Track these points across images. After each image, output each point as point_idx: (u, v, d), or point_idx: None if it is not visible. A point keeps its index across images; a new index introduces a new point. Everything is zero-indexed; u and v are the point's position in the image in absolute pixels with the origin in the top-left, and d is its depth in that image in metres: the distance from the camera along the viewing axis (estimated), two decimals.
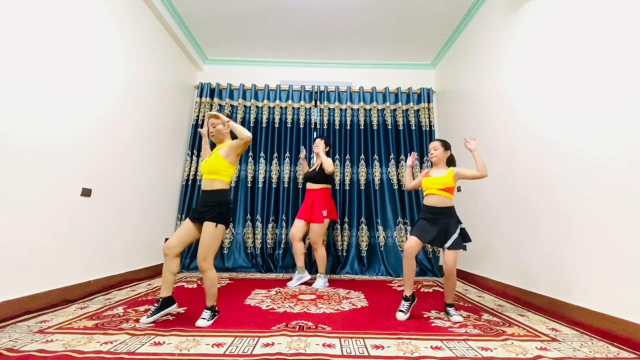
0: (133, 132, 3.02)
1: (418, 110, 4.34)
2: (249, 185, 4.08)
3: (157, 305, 1.88)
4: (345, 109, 4.30)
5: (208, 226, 1.88)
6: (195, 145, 4.11)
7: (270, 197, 4.04)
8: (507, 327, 1.86)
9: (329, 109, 4.31)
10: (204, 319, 1.82)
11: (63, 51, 2.22)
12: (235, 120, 2.14)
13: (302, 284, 3.05)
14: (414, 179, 2.46)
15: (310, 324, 1.87)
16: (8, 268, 1.88)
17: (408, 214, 3.98)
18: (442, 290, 2.86)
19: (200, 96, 4.24)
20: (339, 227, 3.93)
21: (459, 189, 3.59)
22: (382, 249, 3.88)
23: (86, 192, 2.44)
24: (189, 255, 3.78)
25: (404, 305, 2.05)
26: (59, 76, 2.19)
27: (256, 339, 1.61)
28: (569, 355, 1.47)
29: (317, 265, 3.10)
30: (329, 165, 3.10)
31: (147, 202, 3.29)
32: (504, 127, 2.85)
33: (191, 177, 4.00)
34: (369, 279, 3.49)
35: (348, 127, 4.24)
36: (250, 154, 4.14)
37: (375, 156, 4.17)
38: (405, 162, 4.08)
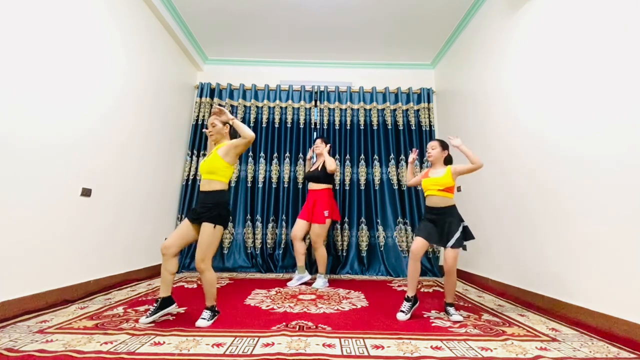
0: (133, 132, 3.02)
1: (418, 110, 4.34)
2: (249, 185, 4.08)
3: (156, 305, 1.88)
4: (345, 109, 4.30)
5: (206, 227, 1.88)
6: (195, 145, 4.11)
7: (270, 197, 4.04)
8: (507, 327, 1.86)
9: (329, 109, 4.31)
10: (204, 319, 1.82)
11: (63, 51, 2.22)
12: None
13: (302, 284, 3.05)
14: (414, 175, 2.46)
15: (310, 324, 1.87)
16: (8, 268, 1.87)
17: (408, 214, 3.98)
18: (442, 290, 2.86)
19: (200, 96, 4.25)
20: (339, 227, 3.93)
21: (459, 189, 3.59)
22: (382, 249, 3.88)
23: (86, 192, 2.44)
24: (188, 256, 3.78)
25: (405, 305, 2.05)
26: (59, 76, 2.19)
27: (256, 339, 1.61)
28: (569, 355, 1.47)
29: (317, 265, 3.10)
30: (331, 163, 3.10)
31: (147, 202, 3.29)
32: (503, 126, 2.85)
33: (191, 177, 4.00)
34: (369, 279, 3.48)
35: (348, 127, 4.24)
36: (250, 154, 4.15)
37: (375, 156, 4.17)
38: (405, 161, 4.10)
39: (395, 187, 4.04)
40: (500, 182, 2.86)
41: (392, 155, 4.14)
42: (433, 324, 1.92)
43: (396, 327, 1.83)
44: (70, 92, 2.29)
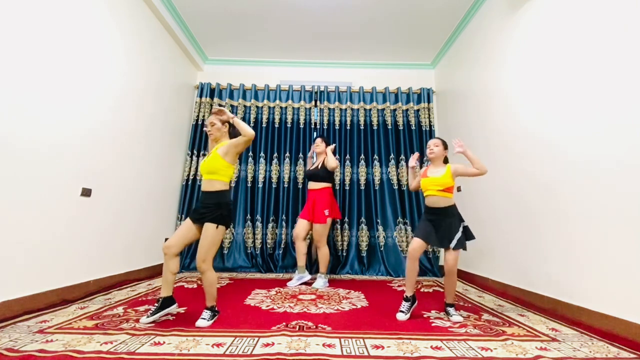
0: (133, 132, 3.03)
1: (418, 110, 4.34)
2: (249, 185, 4.08)
3: (157, 305, 1.88)
4: (345, 109, 4.30)
5: (208, 227, 1.88)
6: (195, 145, 4.11)
7: (270, 197, 4.04)
8: (507, 327, 1.86)
9: (329, 109, 4.31)
10: (204, 319, 1.82)
11: (63, 51, 2.22)
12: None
13: (302, 284, 3.05)
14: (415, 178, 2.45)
15: (310, 324, 1.87)
16: (8, 268, 1.88)
17: (408, 214, 3.98)
18: (442, 290, 2.86)
19: (200, 96, 4.25)
20: (339, 227, 3.93)
21: (458, 189, 3.59)
22: (382, 249, 3.88)
23: (86, 192, 2.44)
24: (189, 256, 3.78)
25: (404, 305, 2.05)
26: (59, 76, 2.19)
27: (256, 339, 1.61)
28: (569, 355, 1.47)
29: (319, 264, 3.10)
30: (332, 160, 3.10)
31: (147, 202, 3.29)
32: (503, 126, 2.85)
33: (191, 177, 4.00)
34: (369, 279, 3.48)
35: (348, 127, 4.24)
36: (250, 154, 4.15)
37: (375, 156, 4.17)
38: (406, 162, 4.10)
39: (395, 187, 4.05)
40: (500, 182, 2.86)
41: (392, 155, 4.14)
42: (433, 324, 1.92)
43: (396, 327, 1.83)
44: (70, 92, 2.29)
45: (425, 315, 2.10)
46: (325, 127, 4.23)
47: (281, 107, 4.32)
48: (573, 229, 2.06)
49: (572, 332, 1.79)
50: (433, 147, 2.23)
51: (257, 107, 4.34)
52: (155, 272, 3.34)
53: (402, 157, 4.14)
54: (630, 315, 1.68)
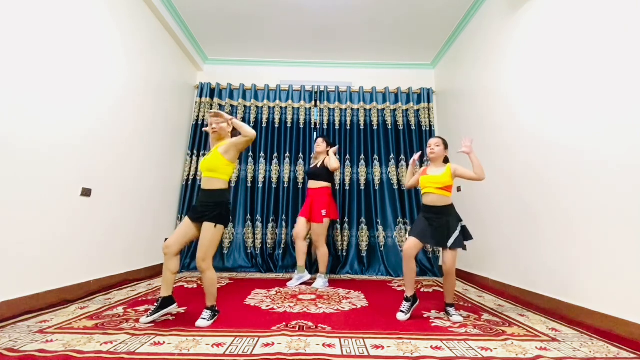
0: (133, 132, 3.03)
1: (418, 110, 4.35)
2: (249, 185, 4.08)
3: (156, 304, 1.88)
4: (345, 109, 4.30)
5: (207, 227, 1.88)
6: (195, 145, 4.11)
7: (270, 197, 4.04)
8: (507, 327, 1.86)
9: (329, 109, 4.31)
10: (204, 319, 1.82)
11: (63, 51, 2.22)
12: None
13: (302, 284, 3.05)
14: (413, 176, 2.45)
15: (310, 324, 1.87)
16: (8, 268, 1.88)
17: (408, 214, 3.98)
18: (442, 290, 2.85)
19: (200, 96, 4.25)
20: (339, 227, 3.93)
21: (458, 189, 3.60)
22: (382, 249, 3.88)
23: (86, 192, 2.44)
24: (189, 256, 3.78)
25: (404, 305, 2.05)
26: (59, 76, 2.19)
27: (256, 339, 1.61)
28: (569, 355, 1.47)
29: (318, 264, 3.10)
30: (334, 161, 3.10)
31: (147, 202, 3.29)
32: (503, 126, 2.85)
33: (191, 177, 4.00)
34: (369, 279, 3.48)
35: (348, 127, 4.24)
36: (250, 154, 4.15)
37: (375, 156, 4.17)
38: (406, 162, 4.09)
39: (395, 187, 4.05)
40: (500, 182, 2.86)
41: (392, 155, 4.14)
42: (433, 324, 1.92)
43: (396, 327, 1.83)
44: (70, 92, 2.29)
45: (425, 315, 2.10)
46: (325, 127, 4.23)
47: (281, 107, 4.32)
48: (573, 229, 2.06)
49: (572, 332, 1.79)
50: (434, 146, 2.23)
51: (257, 107, 4.34)
52: (155, 272, 3.34)
53: (402, 157, 4.15)
54: (630, 315, 1.68)
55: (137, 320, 1.85)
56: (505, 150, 2.81)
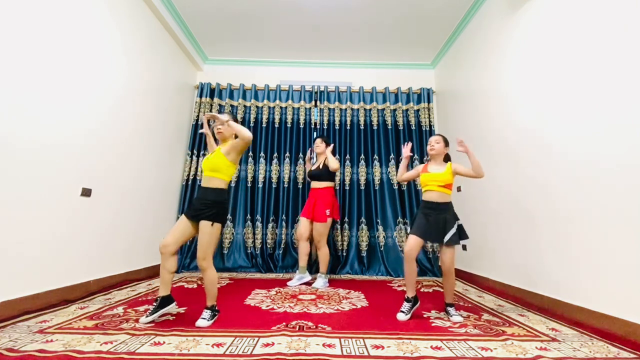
0: (133, 132, 3.02)
1: (418, 110, 4.35)
2: (249, 185, 4.08)
3: (155, 304, 1.88)
4: (345, 109, 4.30)
5: (204, 225, 1.88)
6: (195, 145, 4.11)
7: (270, 197, 4.04)
8: (507, 327, 1.86)
9: (329, 109, 4.31)
10: (204, 318, 1.82)
11: (63, 51, 2.22)
12: (236, 119, 2.14)
13: (302, 284, 3.05)
14: (407, 170, 2.42)
15: (310, 324, 1.87)
16: (8, 268, 1.87)
17: (408, 214, 3.98)
18: (442, 290, 2.85)
19: (200, 96, 4.24)
20: (339, 227, 3.93)
21: (458, 189, 3.60)
22: (382, 249, 3.88)
23: (86, 192, 2.44)
24: (188, 256, 3.78)
25: (405, 306, 2.05)
26: (59, 76, 2.19)
27: (256, 339, 1.61)
28: (569, 355, 1.47)
29: (319, 264, 3.10)
30: (333, 162, 3.10)
31: (147, 202, 3.29)
32: (503, 126, 2.85)
33: (191, 177, 4.00)
34: (369, 279, 3.48)
35: (348, 127, 4.24)
36: (250, 154, 4.15)
37: (375, 156, 4.17)
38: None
39: (395, 187, 4.05)
40: (500, 182, 2.86)
41: (392, 155, 4.14)
42: (433, 324, 1.92)
43: (396, 327, 1.83)
44: (70, 92, 2.29)
45: (425, 315, 2.10)
46: (325, 127, 4.23)
47: (281, 107, 4.32)
48: (573, 229, 2.06)
49: (572, 332, 1.79)
50: (434, 143, 2.25)
51: (257, 107, 4.34)
52: (155, 272, 3.34)
53: (402, 157, 4.13)
54: (630, 315, 1.68)
55: (137, 320, 1.85)
56: (505, 150, 2.81)
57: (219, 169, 1.96)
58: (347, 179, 4.08)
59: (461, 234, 2.10)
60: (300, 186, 4.07)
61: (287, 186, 4.06)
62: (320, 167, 3.21)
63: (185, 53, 4.03)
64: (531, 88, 2.50)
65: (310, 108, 4.34)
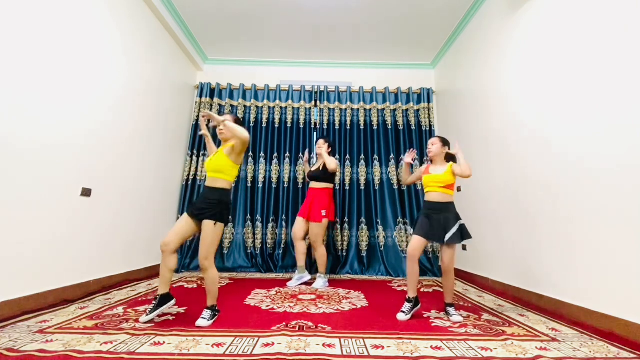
0: (133, 132, 3.02)
1: (418, 110, 4.35)
2: (249, 185, 4.08)
3: (155, 302, 1.88)
4: (345, 109, 4.30)
5: (207, 225, 1.88)
6: (195, 145, 4.11)
7: (270, 197, 4.04)
8: (507, 327, 1.86)
9: (329, 109, 4.31)
10: (204, 318, 1.82)
11: (63, 51, 2.22)
12: (238, 119, 2.13)
13: (302, 284, 3.05)
14: (409, 174, 2.48)
15: (310, 324, 1.87)
16: (8, 268, 1.87)
17: (408, 214, 3.98)
18: (442, 290, 2.85)
19: (200, 96, 4.24)
20: (339, 227, 3.93)
21: (459, 189, 3.60)
22: (382, 249, 3.88)
23: (86, 192, 2.44)
24: (188, 256, 3.78)
25: (406, 306, 2.05)
26: (59, 76, 2.19)
27: (256, 339, 1.61)
28: (569, 355, 1.47)
29: (317, 264, 3.10)
30: (331, 162, 3.10)
31: (147, 202, 3.29)
32: (503, 126, 2.85)
33: (191, 177, 4.00)
34: (369, 279, 3.48)
35: (348, 127, 4.24)
36: (250, 154, 4.14)
37: (375, 156, 4.17)
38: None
39: (395, 187, 4.05)
40: (500, 182, 2.86)
41: (392, 155, 4.14)
42: (433, 324, 1.92)
43: (396, 327, 1.83)
44: (70, 92, 2.29)
45: (425, 315, 2.10)
46: (325, 127, 4.23)
47: (281, 107, 4.32)
48: (573, 229, 2.06)
49: (572, 332, 1.79)
50: (430, 145, 2.28)
51: (257, 107, 4.34)
52: (155, 272, 3.34)
53: (402, 157, 4.14)
54: (630, 315, 1.68)
55: (137, 320, 1.85)
56: (505, 150, 2.81)
57: (221, 170, 1.96)
58: (347, 179, 4.08)
59: (463, 234, 2.10)
60: (300, 186, 4.07)
61: (287, 186, 4.06)
62: (320, 168, 3.20)
63: (185, 53, 4.03)
64: (531, 88, 2.50)
65: (310, 108, 4.34)
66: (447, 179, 2.14)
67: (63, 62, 2.23)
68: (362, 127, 4.26)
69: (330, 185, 3.22)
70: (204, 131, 2.26)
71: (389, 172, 4.10)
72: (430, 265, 3.79)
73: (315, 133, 4.30)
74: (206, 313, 1.85)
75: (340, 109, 4.31)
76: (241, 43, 4.13)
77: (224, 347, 1.50)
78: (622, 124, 1.76)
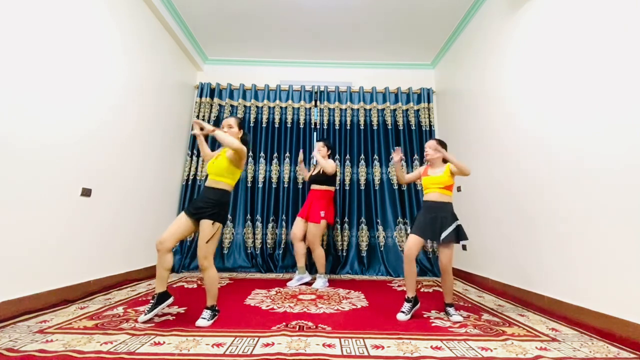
0: (133, 132, 3.02)
1: (418, 110, 4.35)
2: (249, 185, 4.08)
3: (153, 301, 1.88)
4: (345, 109, 4.30)
5: (205, 224, 1.88)
6: (195, 145, 4.11)
7: (270, 197, 4.04)
8: (507, 327, 1.86)
9: (329, 109, 4.31)
10: (204, 318, 1.82)
11: (63, 51, 2.22)
12: (241, 125, 2.12)
13: (302, 284, 3.05)
14: (403, 173, 2.41)
15: (310, 324, 1.87)
16: (8, 268, 1.87)
17: (408, 214, 3.98)
18: (442, 290, 2.85)
19: (200, 96, 4.24)
20: (339, 227, 3.93)
21: (458, 189, 3.59)
22: (382, 249, 3.88)
23: (86, 192, 2.44)
24: (188, 256, 3.78)
25: (405, 306, 2.05)
26: (59, 76, 2.19)
27: (256, 339, 1.61)
28: (569, 355, 1.47)
29: (316, 265, 3.10)
30: (327, 166, 3.09)
31: (147, 202, 3.29)
32: (503, 126, 2.85)
33: (191, 177, 4.00)
34: (369, 279, 3.48)
35: (348, 127, 4.24)
36: (251, 154, 4.14)
37: (375, 156, 4.17)
38: (406, 162, 4.10)
39: (395, 187, 4.05)
40: (500, 182, 2.86)
41: (392, 156, 4.13)
42: (433, 324, 1.92)
43: (396, 327, 1.83)
44: (71, 92, 2.29)
45: (425, 315, 2.10)
46: (325, 127, 4.23)
47: (281, 107, 4.32)
48: (573, 229, 2.06)
49: (572, 332, 1.79)
50: (427, 148, 2.27)
51: (257, 107, 4.34)
52: (155, 272, 3.33)
53: (402, 157, 4.13)
54: (630, 315, 1.68)
55: (137, 320, 1.85)
56: (505, 150, 2.81)
57: (223, 174, 1.97)
58: (347, 179, 4.08)
59: (460, 234, 2.10)
60: (300, 186, 4.07)
61: (287, 186, 4.06)
62: (321, 172, 3.18)
63: (185, 53, 4.03)
64: (531, 88, 2.50)
65: (310, 108, 4.34)
66: (445, 180, 2.15)
67: (63, 62, 2.23)
68: (362, 127, 4.26)
69: (331, 188, 3.22)
70: (196, 131, 2.14)
71: (389, 172, 4.10)
72: (430, 265, 3.79)
73: (315, 133, 4.30)
74: (206, 313, 1.85)
75: (340, 109, 4.31)
76: (241, 43, 4.13)
77: (224, 347, 1.50)
78: (622, 124, 1.76)
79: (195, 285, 2.89)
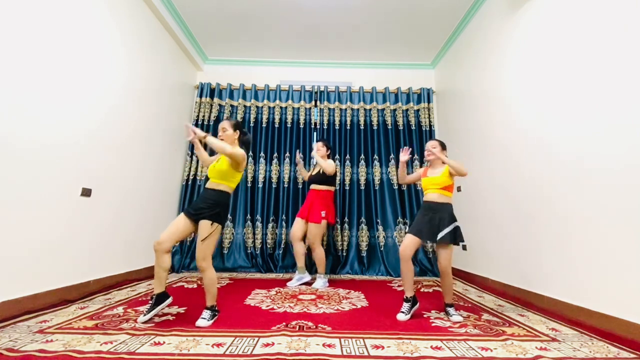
0: (133, 132, 3.02)
1: (418, 110, 4.35)
2: (249, 185, 4.08)
3: (151, 302, 1.88)
4: (345, 109, 4.30)
5: (204, 225, 1.88)
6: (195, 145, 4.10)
7: (270, 197, 4.04)
8: (507, 327, 1.86)
9: (329, 109, 4.31)
10: (204, 318, 1.82)
11: (63, 51, 2.22)
12: (239, 127, 2.12)
13: (302, 284, 3.05)
14: (405, 174, 2.41)
15: (310, 324, 1.87)
16: (8, 268, 1.87)
17: (408, 214, 3.98)
18: (441, 290, 2.86)
19: (200, 96, 4.24)
20: (339, 227, 3.93)
21: (458, 189, 3.59)
22: (382, 249, 3.88)
23: (86, 192, 2.44)
24: (188, 256, 3.78)
25: (405, 306, 2.05)
26: (59, 76, 2.19)
27: (256, 339, 1.61)
28: (569, 355, 1.47)
29: (316, 265, 3.10)
30: (327, 167, 3.09)
31: (147, 202, 3.29)
32: (503, 126, 2.85)
33: (191, 177, 4.00)
34: (369, 279, 3.48)
35: (348, 127, 4.24)
36: (251, 154, 4.14)
37: (375, 156, 4.17)
38: (406, 162, 4.09)
39: (395, 187, 4.05)
40: (500, 182, 2.86)
41: (392, 155, 4.13)
42: (433, 324, 1.92)
43: (396, 327, 1.83)
44: (70, 92, 2.29)
45: (425, 315, 2.10)
46: (325, 127, 4.23)
47: (281, 107, 4.32)
48: (573, 229, 2.06)
49: (572, 332, 1.79)
50: (431, 148, 2.25)
51: (257, 107, 4.34)
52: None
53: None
54: (630, 315, 1.68)
55: (137, 320, 1.85)
56: (505, 150, 2.81)
57: (223, 177, 1.98)
58: (347, 179, 4.08)
59: (456, 236, 2.10)
60: (300, 186, 4.07)
61: (287, 186, 4.06)
62: (320, 172, 3.18)
63: (185, 53, 4.03)
64: (531, 88, 2.50)
65: (310, 108, 4.34)
66: (445, 181, 2.15)
67: (63, 62, 2.23)
68: (362, 127, 4.26)
69: (331, 188, 3.22)
70: (190, 137, 2.08)
71: (389, 172, 4.10)
72: (430, 266, 3.79)
73: (315, 133, 4.30)
74: (206, 313, 1.85)
75: (340, 109, 4.31)
76: (241, 43, 4.13)
77: (224, 347, 1.50)
78: (622, 124, 1.76)
79: (195, 286, 2.89)
